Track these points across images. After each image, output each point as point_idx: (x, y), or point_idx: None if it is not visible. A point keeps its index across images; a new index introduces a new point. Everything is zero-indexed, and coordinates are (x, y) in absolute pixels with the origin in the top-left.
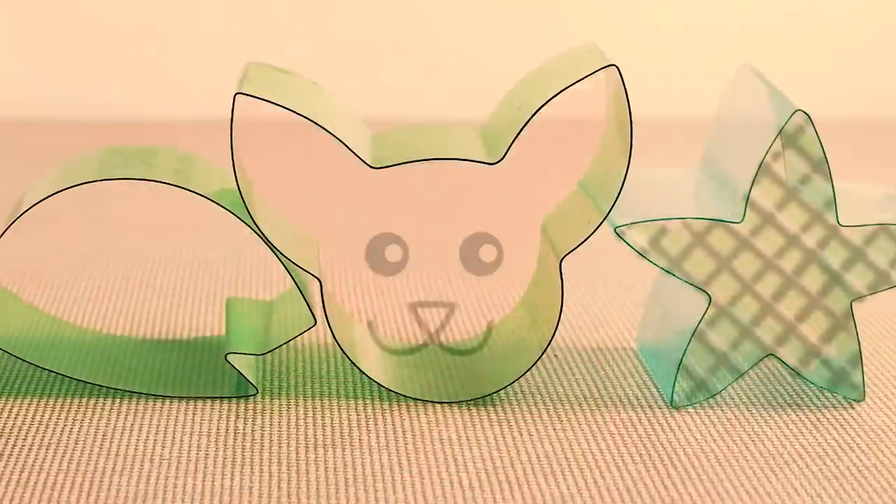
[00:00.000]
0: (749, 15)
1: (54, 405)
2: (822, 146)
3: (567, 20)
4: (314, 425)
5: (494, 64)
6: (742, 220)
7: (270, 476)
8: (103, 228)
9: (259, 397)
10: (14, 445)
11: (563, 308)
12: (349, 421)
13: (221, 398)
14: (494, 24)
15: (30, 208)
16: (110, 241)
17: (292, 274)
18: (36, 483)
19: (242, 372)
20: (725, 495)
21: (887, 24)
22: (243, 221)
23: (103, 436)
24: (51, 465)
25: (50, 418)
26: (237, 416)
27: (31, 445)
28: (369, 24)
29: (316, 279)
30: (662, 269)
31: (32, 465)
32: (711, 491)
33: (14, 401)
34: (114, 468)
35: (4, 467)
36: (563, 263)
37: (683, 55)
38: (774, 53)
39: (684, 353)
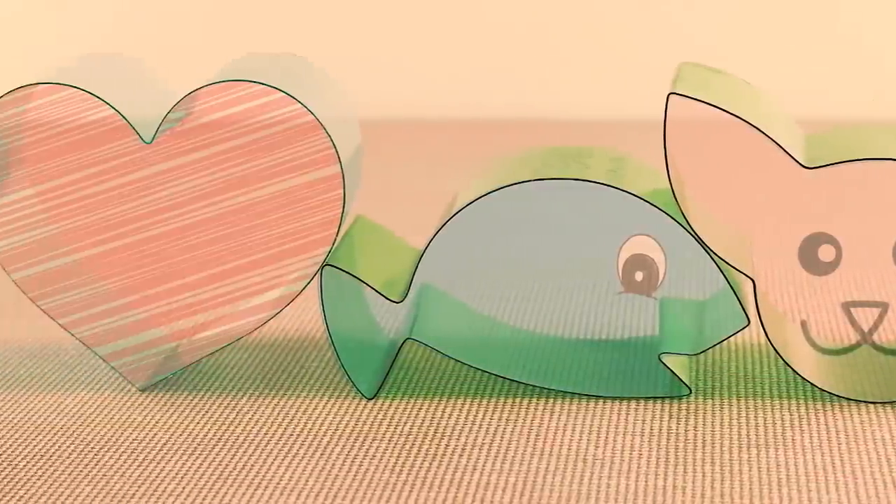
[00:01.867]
0: None
1: (487, 405)
2: None
3: None
4: (747, 425)
5: None
6: None
7: (703, 476)
8: (535, 228)
9: (692, 397)
10: (447, 446)
11: None
12: (782, 421)
13: (654, 398)
14: None
15: (464, 207)
16: (542, 241)
17: (725, 273)
18: (469, 483)
19: (676, 372)
20: None
21: None
22: (676, 221)
23: (536, 435)
24: (484, 465)
25: (483, 418)
26: (670, 417)
27: (464, 445)
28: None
29: (749, 279)
30: None
31: (466, 466)
32: None
33: (448, 401)
34: (547, 468)
35: (438, 467)
36: None
37: None
38: None
39: None
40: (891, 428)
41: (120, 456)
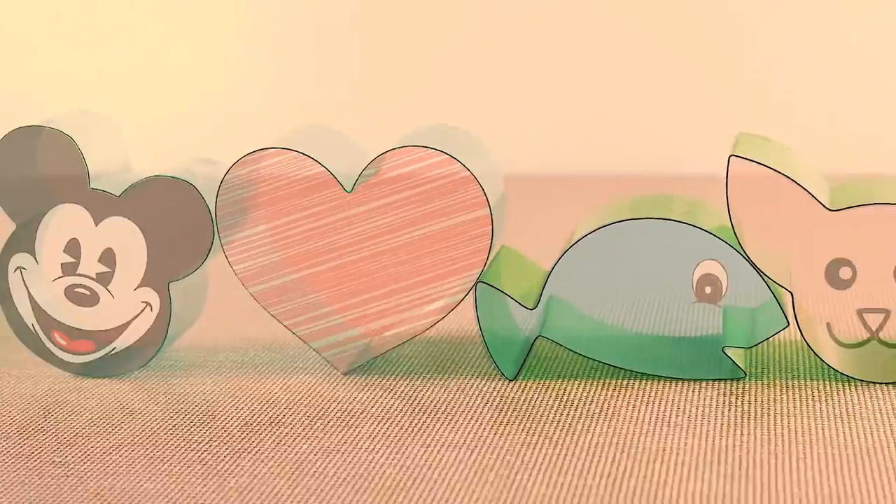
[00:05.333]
0: None
1: (607, 386)
2: None
3: None
4: (785, 400)
5: None
6: None
7: (753, 438)
8: (633, 254)
9: (747, 379)
10: (575, 421)
11: None
12: (812, 397)
13: (718, 380)
14: None
15: (580, 240)
16: (639, 263)
17: (771, 288)
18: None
19: (735, 360)
20: None
21: None
22: (735, 250)
23: (637, 409)
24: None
25: (603, 396)
26: (730, 393)
27: (580, 417)
28: None
29: (788, 292)
30: None
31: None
32: None
33: (572, 382)
34: (642, 431)
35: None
36: None
37: None
38: None
39: None
40: (892, 401)
41: (327, 425)
